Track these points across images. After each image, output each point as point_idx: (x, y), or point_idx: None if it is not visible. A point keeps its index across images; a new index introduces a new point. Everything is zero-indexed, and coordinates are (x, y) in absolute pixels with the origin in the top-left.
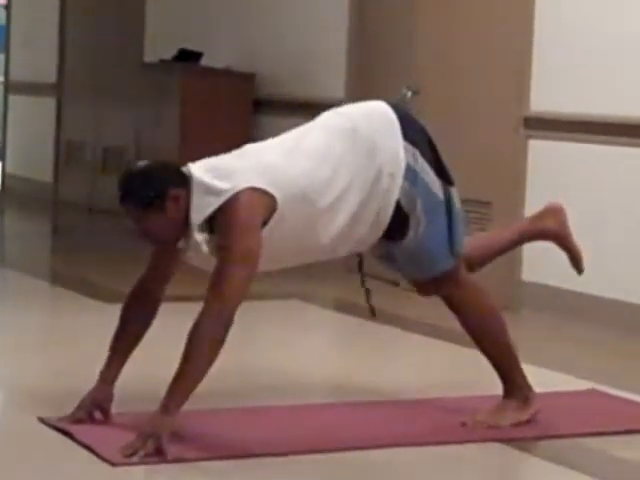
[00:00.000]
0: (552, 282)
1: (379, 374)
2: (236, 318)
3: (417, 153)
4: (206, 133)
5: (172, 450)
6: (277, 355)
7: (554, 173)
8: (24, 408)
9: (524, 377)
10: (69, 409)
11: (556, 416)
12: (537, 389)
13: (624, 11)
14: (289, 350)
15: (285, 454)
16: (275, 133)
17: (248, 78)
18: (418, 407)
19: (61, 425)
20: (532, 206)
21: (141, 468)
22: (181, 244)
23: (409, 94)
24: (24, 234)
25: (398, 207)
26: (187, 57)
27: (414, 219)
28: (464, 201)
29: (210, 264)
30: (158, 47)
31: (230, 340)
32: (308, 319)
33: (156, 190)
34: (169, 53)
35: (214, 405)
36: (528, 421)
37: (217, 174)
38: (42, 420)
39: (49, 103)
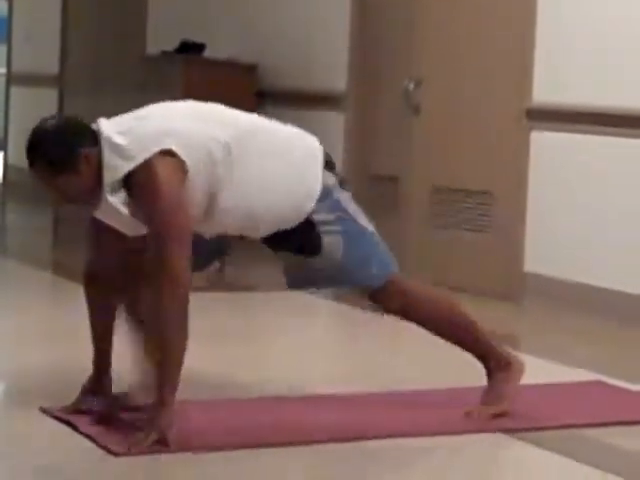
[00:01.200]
0: (554, 273)
1: (382, 365)
2: (242, 309)
3: (335, 179)
4: None
5: (175, 440)
6: (282, 346)
7: (556, 164)
8: (26, 398)
9: (497, 346)
10: (71, 399)
11: (558, 406)
12: (539, 380)
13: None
14: (293, 342)
15: (291, 444)
16: None
17: (250, 69)
18: (420, 397)
19: (63, 415)
20: (534, 197)
21: (143, 458)
22: (92, 201)
23: (411, 86)
24: (26, 225)
25: (311, 224)
26: (189, 49)
27: (328, 237)
28: (466, 191)
29: (120, 223)
30: (160, 39)
31: (236, 331)
32: (311, 310)
33: (68, 151)
34: (171, 45)
35: (220, 396)
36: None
37: (126, 133)
38: (44, 410)
39: (51, 94)
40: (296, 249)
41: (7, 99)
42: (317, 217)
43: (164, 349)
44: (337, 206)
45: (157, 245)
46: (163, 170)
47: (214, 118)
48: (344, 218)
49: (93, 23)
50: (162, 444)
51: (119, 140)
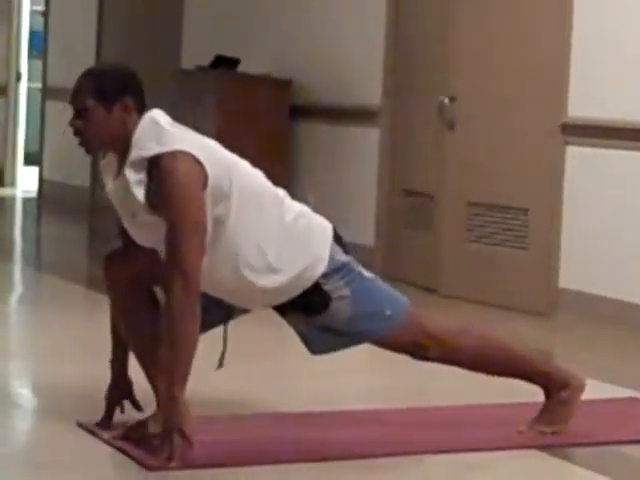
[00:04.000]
0: (589, 289)
1: (424, 379)
2: (270, 324)
3: (347, 256)
4: (243, 139)
5: (193, 433)
6: (318, 360)
7: (592, 179)
8: (61, 412)
9: (552, 367)
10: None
11: (595, 423)
12: None
13: None
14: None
15: (317, 460)
16: (311, 139)
17: (285, 85)
18: (455, 413)
19: (97, 431)
20: (569, 213)
21: (177, 473)
22: (107, 174)
23: (446, 101)
24: (61, 239)
25: (319, 289)
26: (224, 63)
27: (337, 297)
28: (501, 207)
29: (124, 205)
30: (195, 53)
31: (265, 346)
32: None
33: (117, 87)
34: (206, 59)
35: (248, 411)
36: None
37: (172, 126)
38: (80, 425)
39: None
40: (302, 309)
41: (42, 113)
42: (326, 287)
43: (174, 343)
44: (345, 272)
45: (170, 237)
46: (186, 166)
47: (241, 164)
48: (351, 279)
49: (128, 37)
50: (186, 442)
51: (163, 124)
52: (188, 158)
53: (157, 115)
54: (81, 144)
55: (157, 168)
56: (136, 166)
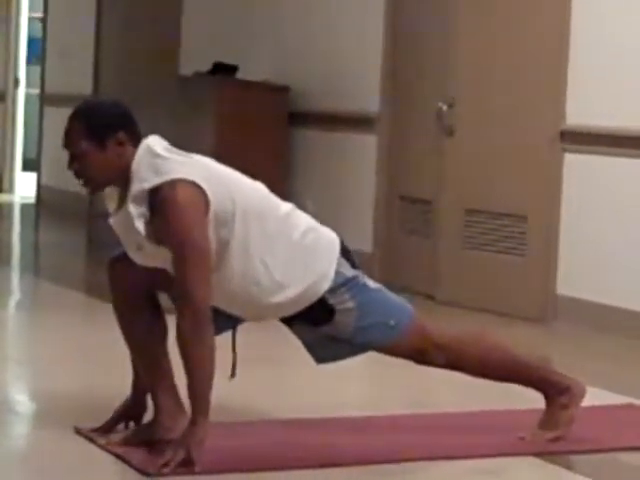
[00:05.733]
0: (586, 296)
1: (423, 387)
2: (270, 333)
3: (354, 271)
4: (241, 146)
5: (203, 461)
6: (308, 370)
7: (590, 187)
8: (59, 419)
9: (553, 373)
10: (104, 420)
11: (593, 430)
12: None
13: None
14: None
15: (317, 466)
16: (309, 146)
17: (283, 91)
18: (451, 420)
19: (94, 437)
20: (567, 220)
21: (175, 479)
22: (109, 204)
23: (445, 107)
24: (59, 245)
25: (324, 302)
26: (222, 70)
27: (341, 310)
28: (499, 214)
29: (127, 237)
30: (193, 60)
31: (265, 355)
32: None
33: (107, 124)
34: (204, 66)
35: (247, 418)
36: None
37: (170, 152)
38: (78, 430)
39: None
40: (307, 320)
41: (41, 119)
42: (330, 301)
43: (191, 368)
44: (350, 286)
45: (177, 268)
46: (186, 194)
47: (242, 182)
48: (357, 292)
49: (126, 44)
50: (188, 463)
51: (160, 152)
52: (188, 185)
53: (153, 143)
54: (83, 185)
55: (157, 199)
56: (138, 199)
